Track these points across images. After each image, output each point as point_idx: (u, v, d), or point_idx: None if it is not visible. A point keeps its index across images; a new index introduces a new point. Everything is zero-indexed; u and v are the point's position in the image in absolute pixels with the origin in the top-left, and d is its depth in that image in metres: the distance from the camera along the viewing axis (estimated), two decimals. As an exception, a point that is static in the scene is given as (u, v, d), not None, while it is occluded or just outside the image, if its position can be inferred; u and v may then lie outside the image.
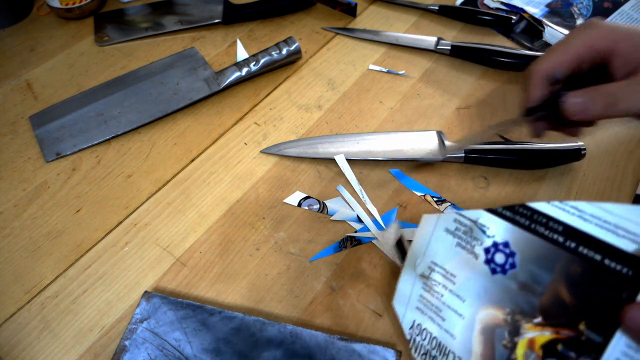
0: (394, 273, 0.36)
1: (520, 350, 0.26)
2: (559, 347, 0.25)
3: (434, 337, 0.30)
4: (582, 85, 0.29)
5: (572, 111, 0.29)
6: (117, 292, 0.36)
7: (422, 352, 0.30)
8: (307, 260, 0.37)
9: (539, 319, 0.26)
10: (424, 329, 0.30)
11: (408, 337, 0.31)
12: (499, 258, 0.28)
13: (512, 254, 0.27)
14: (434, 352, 0.29)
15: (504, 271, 0.27)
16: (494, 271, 0.28)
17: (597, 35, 0.29)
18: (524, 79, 0.33)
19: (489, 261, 0.28)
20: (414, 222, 0.39)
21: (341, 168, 0.42)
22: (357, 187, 0.41)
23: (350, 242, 0.37)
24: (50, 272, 0.37)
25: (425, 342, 0.30)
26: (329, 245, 0.38)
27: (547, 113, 0.31)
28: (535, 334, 0.26)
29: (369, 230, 0.38)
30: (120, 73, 0.51)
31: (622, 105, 0.28)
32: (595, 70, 0.30)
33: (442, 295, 0.30)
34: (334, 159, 0.42)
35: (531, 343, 0.26)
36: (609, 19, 0.55)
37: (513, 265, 0.27)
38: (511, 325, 0.27)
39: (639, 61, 0.28)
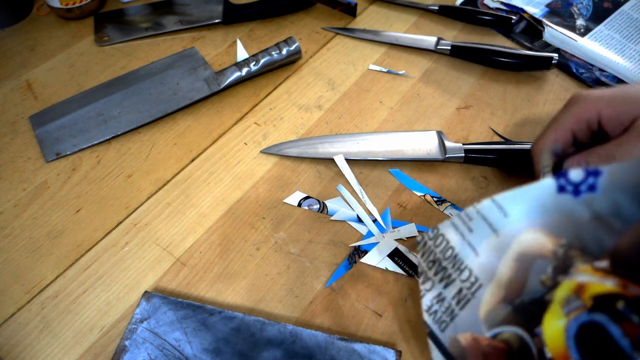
0: (394, 273, 0.36)
1: (561, 292, 0.21)
2: (620, 304, 0.19)
3: (450, 247, 0.24)
4: (587, 146, 0.33)
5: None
6: (117, 292, 0.36)
7: (429, 258, 0.25)
8: (308, 262, 0.37)
9: (604, 263, 0.20)
10: (441, 234, 0.25)
11: (418, 238, 0.26)
12: (575, 174, 0.21)
13: (595, 173, 0.21)
14: (445, 263, 0.25)
15: (576, 192, 0.21)
16: (561, 188, 0.22)
17: (582, 109, 0.33)
18: (532, 155, 0.36)
19: (559, 175, 0.22)
20: (414, 222, 0.39)
21: (340, 168, 0.42)
22: (357, 188, 0.41)
23: (358, 254, 0.37)
24: (50, 272, 0.37)
25: (438, 250, 0.25)
26: (330, 243, 0.38)
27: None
28: (591, 279, 0.20)
29: (373, 235, 0.38)
30: (120, 73, 0.51)
31: (618, 160, 0.32)
32: (594, 133, 0.34)
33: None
34: (334, 159, 0.42)
35: (580, 289, 0.21)
36: (608, 19, 0.55)
37: (592, 188, 0.21)
38: (561, 261, 0.21)
39: (624, 122, 0.32)
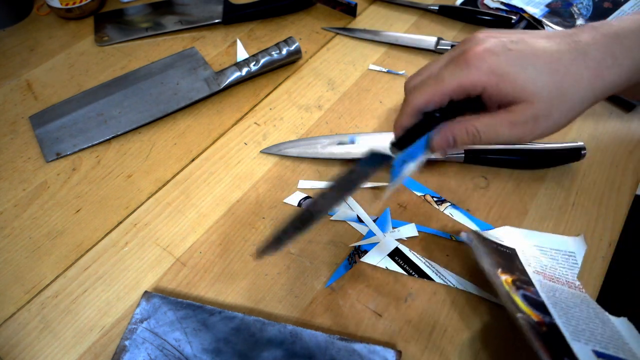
0: (394, 273, 0.36)
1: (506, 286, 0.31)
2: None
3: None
4: (457, 110, 0.32)
5: (439, 147, 0.32)
6: (117, 292, 0.36)
7: None
8: (308, 262, 0.37)
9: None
10: None
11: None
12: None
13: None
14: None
15: None
16: None
17: (469, 79, 0.30)
18: (404, 94, 0.34)
19: None
20: (414, 222, 0.39)
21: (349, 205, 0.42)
22: (365, 217, 0.41)
23: (358, 255, 0.37)
24: (50, 272, 0.37)
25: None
26: (330, 243, 0.38)
27: (404, 143, 0.33)
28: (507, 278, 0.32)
29: (373, 234, 0.38)
30: (120, 73, 0.51)
31: (484, 140, 0.31)
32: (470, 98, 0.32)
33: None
34: (334, 159, 0.42)
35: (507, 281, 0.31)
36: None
37: None
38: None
39: (503, 101, 0.30)
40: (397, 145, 0.33)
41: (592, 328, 0.29)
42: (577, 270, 0.35)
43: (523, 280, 0.32)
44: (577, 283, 0.34)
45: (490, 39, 0.30)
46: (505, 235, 0.37)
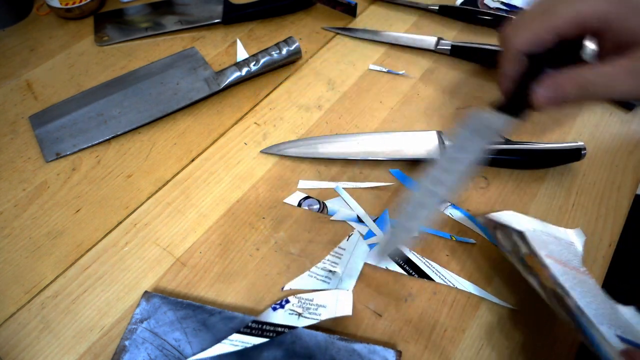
0: (394, 273, 0.36)
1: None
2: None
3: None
4: (568, 56, 0.26)
5: (542, 103, 0.27)
6: (117, 292, 0.36)
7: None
8: (308, 262, 0.37)
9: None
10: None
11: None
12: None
13: None
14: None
15: None
16: None
17: (589, 6, 0.24)
18: (500, 45, 0.29)
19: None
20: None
21: (342, 197, 0.41)
22: (360, 212, 0.41)
23: None
24: (50, 272, 0.37)
25: None
26: (330, 243, 0.38)
27: (515, 107, 0.28)
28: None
29: (373, 234, 0.38)
30: (120, 73, 0.51)
31: (597, 94, 0.26)
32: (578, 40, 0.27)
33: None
34: (334, 159, 0.42)
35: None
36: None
37: None
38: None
39: (629, 42, 0.25)
40: (506, 106, 0.28)
41: (610, 313, 0.28)
42: (581, 256, 0.34)
43: (537, 262, 0.31)
44: (583, 269, 0.33)
45: None
46: (511, 218, 0.35)
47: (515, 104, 0.27)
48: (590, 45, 0.27)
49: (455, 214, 0.39)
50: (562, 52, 0.26)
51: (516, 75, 0.27)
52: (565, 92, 0.26)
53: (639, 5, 0.24)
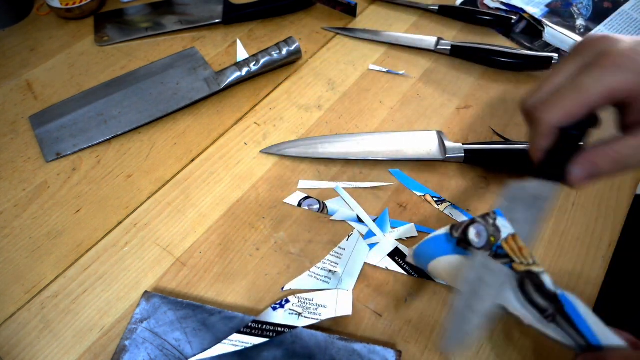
0: (394, 273, 0.36)
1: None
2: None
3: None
4: (593, 125, 0.27)
5: (579, 181, 0.28)
6: (117, 292, 0.36)
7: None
8: (308, 262, 0.37)
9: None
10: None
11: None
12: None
13: None
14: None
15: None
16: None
17: (619, 82, 0.25)
18: (528, 121, 0.29)
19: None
20: (413, 222, 0.39)
21: (341, 196, 0.42)
22: (362, 213, 0.41)
23: None
24: (50, 272, 0.37)
25: None
26: (330, 243, 0.38)
27: (555, 173, 0.29)
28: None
29: (373, 234, 0.38)
30: (120, 73, 0.51)
31: (631, 166, 0.26)
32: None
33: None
34: (334, 159, 0.42)
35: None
36: (608, 19, 0.55)
37: None
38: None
39: None
40: (542, 171, 0.29)
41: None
42: None
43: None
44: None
45: (624, 38, 0.26)
46: None
47: (554, 170, 0.28)
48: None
49: (455, 214, 0.39)
50: (593, 123, 0.28)
51: (549, 148, 0.28)
52: (600, 169, 0.27)
53: None
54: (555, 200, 0.28)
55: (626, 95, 0.26)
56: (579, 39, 0.53)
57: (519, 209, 0.28)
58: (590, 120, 0.28)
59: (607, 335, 0.24)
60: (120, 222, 0.40)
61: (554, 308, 0.25)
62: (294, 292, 0.35)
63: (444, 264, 0.30)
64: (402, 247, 0.37)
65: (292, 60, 0.51)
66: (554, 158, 0.28)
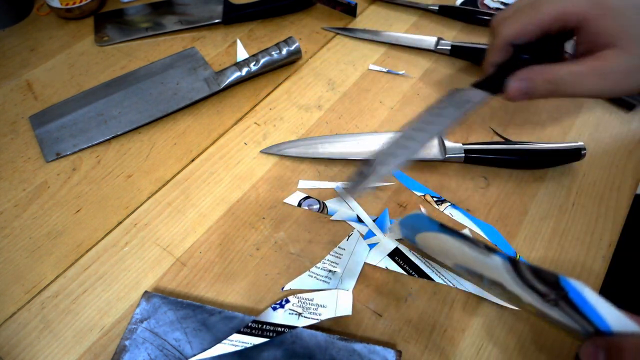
0: (394, 273, 0.36)
1: None
2: None
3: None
4: (548, 48, 0.29)
5: (514, 94, 0.29)
6: (117, 292, 0.36)
7: None
8: (308, 262, 0.37)
9: None
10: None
11: None
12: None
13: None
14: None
15: None
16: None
17: (571, 5, 0.27)
18: (489, 33, 0.31)
19: None
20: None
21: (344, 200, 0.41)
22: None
23: None
24: (50, 272, 0.37)
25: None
26: (330, 243, 0.38)
27: (493, 86, 0.31)
28: None
29: (373, 234, 0.38)
30: (120, 73, 0.51)
31: (565, 91, 0.28)
32: (561, 34, 0.29)
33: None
34: (334, 159, 0.42)
35: None
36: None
37: None
38: None
39: (597, 44, 0.27)
40: (485, 83, 0.30)
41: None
42: None
43: None
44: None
45: None
46: None
47: (493, 84, 0.30)
48: (570, 45, 0.30)
49: (455, 214, 0.39)
50: (547, 47, 0.29)
51: (499, 62, 0.30)
52: (535, 86, 0.28)
53: (614, 8, 0.26)
54: (480, 107, 0.31)
55: (576, 21, 0.27)
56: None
57: (449, 108, 0.30)
58: (543, 45, 0.29)
59: (620, 320, 0.22)
60: (120, 222, 0.40)
61: (556, 294, 0.23)
62: (294, 292, 0.35)
63: (433, 238, 0.29)
64: (402, 247, 0.37)
65: (292, 60, 0.51)
66: (500, 73, 0.30)
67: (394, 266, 0.36)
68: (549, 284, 0.23)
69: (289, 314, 0.33)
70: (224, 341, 0.31)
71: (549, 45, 0.29)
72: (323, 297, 0.34)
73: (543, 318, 0.26)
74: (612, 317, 0.22)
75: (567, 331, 0.25)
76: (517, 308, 0.34)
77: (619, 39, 0.26)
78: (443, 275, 0.36)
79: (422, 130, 0.30)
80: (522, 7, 0.29)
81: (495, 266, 0.25)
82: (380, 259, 0.36)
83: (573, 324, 0.24)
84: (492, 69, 0.31)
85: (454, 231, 0.26)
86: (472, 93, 0.31)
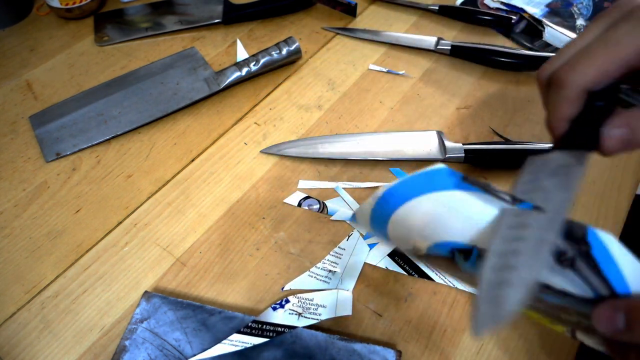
0: (394, 273, 0.36)
1: None
2: None
3: None
4: (619, 90, 0.24)
5: (615, 146, 0.24)
6: (117, 292, 0.36)
7: None
8: (308, 262, 0.37)
9: None
10: None
11: None
12: None
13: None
14: None
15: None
16: None
17: None
18: (548, 88, 0.26)
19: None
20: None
21: (341, 196, 0.41)
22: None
23: None
24: (50, 272, 0.37)
25: None
26: (330, 243, 0.38)
27: (582, 143, 0.25)
28: None
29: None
30: (120, 73, 0.51)
31: None
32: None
33: None
34: (334, 159, 0.42)
35: None
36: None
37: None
38: None
39: None
40: (567, 142, 0.25)
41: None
42: None
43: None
44: None
45: None
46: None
47: (581, 140, 0.25)
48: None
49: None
50: (620, 90, 0.25)
51: (572, 117, 0.24)
52: (637, 134, 0.23)
53: None
54: (586, 170, 0.24)
55: None
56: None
57: (544, 179, 0.24)
58: (617, 88, 0.24)
59: None
60: (120, 222, 0.40)
61: (577, 250, 0.20)
62: (294, 292, 0.35)
63: (428, 205, 0.23)
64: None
65: (292, 60, 0.51)
66: (580, 126, 0.24)
67: (394, 266, 0.36)
68: (572, 237, 0.20)
69: (289, 314, 0.33)
70: (224, 341, 0.31)
71: (628, 87, 0.25)
72: (323, 297, 0.34)
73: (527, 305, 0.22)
74: (636, 276, 0.19)
75: (551, 315, 0.22)
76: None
77: None
78: (443, 275, 0.36)
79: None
80: (592, 46, 0.24)
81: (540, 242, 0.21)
82: (380, 259, 0.36)
83: (582, 290, 0.20)
84: (565, 124, 0.25)
85: (478, 183, 0.22)
86: (565, 156, 0.25)
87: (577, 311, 0.21)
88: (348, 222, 0.39)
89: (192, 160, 0.44)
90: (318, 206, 0.40)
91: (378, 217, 0.26)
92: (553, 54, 0.49)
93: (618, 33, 0.23)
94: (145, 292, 0.34)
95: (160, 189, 0.42)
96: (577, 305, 0.21)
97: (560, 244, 0.20)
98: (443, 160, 0.41)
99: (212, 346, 0.31)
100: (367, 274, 0.36)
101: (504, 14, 0.55)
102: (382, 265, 0.36)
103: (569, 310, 0.21)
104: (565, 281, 0.20)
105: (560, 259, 0.20)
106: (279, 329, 0.32)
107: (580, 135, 0.25)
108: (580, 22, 0.55)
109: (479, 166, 0.42)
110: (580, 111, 0.25)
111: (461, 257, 0.24)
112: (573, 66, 0.24)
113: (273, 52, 0.49)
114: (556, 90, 0.25)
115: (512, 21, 0.54)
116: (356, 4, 0.56)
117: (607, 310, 0.19)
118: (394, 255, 0.37)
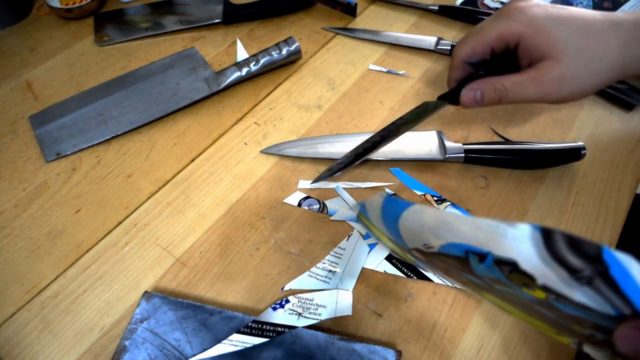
0: (393, 274, 0.36)
1: None
2: None
3: None
4: (499, 64, 0.34)
5: (466, 102, 0.35)
6: (117, 292, 0.36)
7: None
8: (308, 262, 0.37)
9: None
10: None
11: None
12: None
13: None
14: None
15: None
16: None
17: (507, 27, 0.32)
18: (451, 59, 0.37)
19: None
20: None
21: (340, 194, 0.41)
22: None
23: None
24: (50, 272, 0.37)
25: None
26: (330, 243, 0.38)
27: (453, 97, 0.36)
28: None
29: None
30: (120, 73, 0.51)
31: (510, 98, 0.33)
32: (509, 52, 0.34)
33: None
34: (334, 159, 0.42)
35: None
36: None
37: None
38: None
39: (534, 57, 0.32)
40: (448, 97, 0.36)
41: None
42: None
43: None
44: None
45: (539, 2, 0.33)
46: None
47: (454, 96, 0.36)
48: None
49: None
50: (499, 64, 0.35)
51: (459, 78, 0.36)
52: (484, 94, 0.34)
53: (543, 27, 0.31)
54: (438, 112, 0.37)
55: (514, 39, 0.32)
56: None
57: (411, 115, 0.38)
58: (495, 62, 0.34)
59: None
60: (120, 222, 0.40)
61: (593, 269, 0.20)
62: (294, 292, 0.35)
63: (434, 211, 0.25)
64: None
65: (292, 60, 0.51)
66: (459, 87, 0.35)
67: (392, 269, 0.36)
68: (587, 257, 0.20)
69: (289, 314, 0.33)
70: (224, 341, 0.31)
71: (500, 61, 0.35)
72: (323, 297, 0.34)
73: (528, 311, 0.23)
74: None
75: (561, 325, 0.22)
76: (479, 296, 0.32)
77: (550, 52, 0.31)
78: (443, 278, 0.36)
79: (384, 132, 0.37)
80: (472, 32, 0.35)
81: (515, 238, 0.21)
82: (378, 263, 0.36)
83: (603, 306, 0.20)
84: (454, 84, 0.36)
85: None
86: (436, 104, 0.37)
87: (594, 324, 0.21)
88: (348, 222, 0.39)
89: (192, 160, 0.44)
90: (318, 206, 0.40)
91: (388, 212, 0.29)
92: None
93: (486, 23, 0.34)
94: (145, 292, 0.34)
95: (160, 189, 0.42)
96: (595, 319, 0.20)
97: (574, 260, 0.20)
98: (443, 160, 0.41)
99: (212, 346, 0.31)
100: (367, 274, 0.36)
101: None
102: (380, 269, 0.36)
103: (585, 323, 0.21)
104: (583, 296, 0.20)
105: (577, 276, 0.20)
106: (279, 329, 0.32)
107: (455, 92, 0.35)
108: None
109: (479, 166, 0.42)
110: (467, 75, 0.36)
111: (476, 259, 0.24)
112: (459, 45, 0.35)
113: (273, 52, 0.49)
114: (451, 60, 0.36)
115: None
116: (356, 4, 0.56)
117: (631, 331, 0.20)
118: (391, 258, 0.37)
